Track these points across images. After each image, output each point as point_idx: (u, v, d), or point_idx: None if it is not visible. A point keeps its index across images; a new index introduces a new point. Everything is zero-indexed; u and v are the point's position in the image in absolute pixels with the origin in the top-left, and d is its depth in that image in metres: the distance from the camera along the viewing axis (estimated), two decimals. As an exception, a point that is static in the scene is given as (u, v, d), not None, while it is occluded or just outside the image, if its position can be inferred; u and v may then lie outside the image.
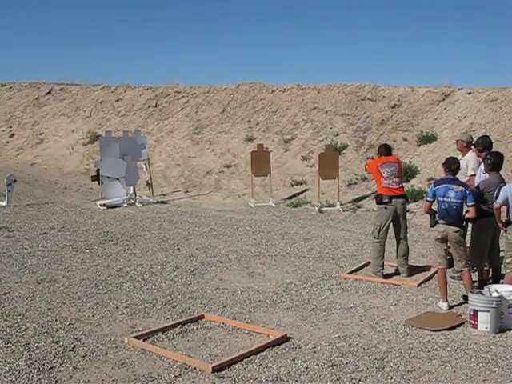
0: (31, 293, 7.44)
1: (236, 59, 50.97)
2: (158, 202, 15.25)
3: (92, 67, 45.32)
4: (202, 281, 8.17)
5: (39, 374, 5.05)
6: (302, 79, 26.25)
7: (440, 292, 7.16)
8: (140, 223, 12.42)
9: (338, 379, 5.03)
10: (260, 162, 15.22)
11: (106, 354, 5.54)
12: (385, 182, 8.42)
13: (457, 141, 8.92)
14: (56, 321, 6.42)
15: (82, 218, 12.93)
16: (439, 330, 6.24)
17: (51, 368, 5.19)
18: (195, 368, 5.19)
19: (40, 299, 7.19)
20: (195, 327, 6.28)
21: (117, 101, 23.50)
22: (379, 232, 8.40)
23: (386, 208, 8.39)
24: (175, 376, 5.05)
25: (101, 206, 14.34)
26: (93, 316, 6.61)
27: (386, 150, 8.78)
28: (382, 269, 8.41)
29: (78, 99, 24.71)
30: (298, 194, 15.58)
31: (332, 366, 5.30)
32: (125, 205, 14.63)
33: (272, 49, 52.68)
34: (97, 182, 15.42)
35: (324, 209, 14.06)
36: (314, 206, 14.42)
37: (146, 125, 21.26)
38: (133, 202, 14.97)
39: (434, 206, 7.28)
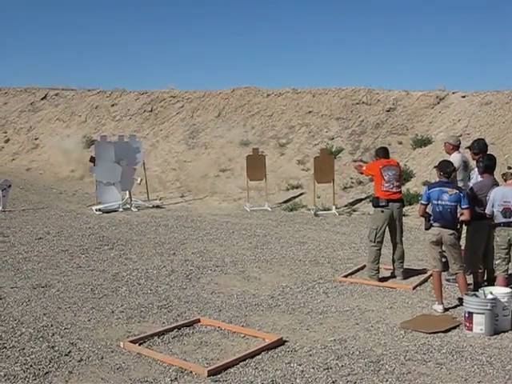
0: (27, 298, 7.43)
1: (231, 64, 51.02)
2: (153, 207, 15.26)
3: (87, 72, 45.31)
4: (197, 285, 8.17)
5: (35, 379, 5.05)
6: (297, 83, 26.31)
7: (435, 295, 7.18)
8: (135, 228, 12.43)
9: (333, 382, 5.03)
10: (255, 166, 15.24)
11: (102, 358, 5.53)
12: (385, 185, 8.39)
13: (445, 143, 8.98)
14: (51, 326, 6.41)
15: (77, 222, 12.93)
16: (434, 333, 6.25)
17: (47, 373, 5.18)
18: (191, 372, 5.19)
19: (36, 304, 7.18)
20: (191, 331, 6.28)
21: (112, 105, 23.51)
22: (375, 235, 8.39)
23: (382, 211, 8.38)
24: (171, 380, 5.05)
25: (96, 210, 14.34)
26: (88, 321, 6.60)
27: (384, 152, 8.79)
28: (378, 272, 8.42)
29: (73, 104, 24.71)
30: (294, 197, 15.60)
31: (327, 369, 5.31)
32: (120, 209, 14.63)
33: (267, 53, 52.77)
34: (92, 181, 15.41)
35: (319, 212, 14.09)
36: (309, 209, 14.44)
37: (141, 129, 21.27)
38: (128, 206, 14.97)
39: (429, 209, 7.30)
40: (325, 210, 14.28)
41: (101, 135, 17.06)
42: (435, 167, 7.57)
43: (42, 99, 25.91)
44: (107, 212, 14.33)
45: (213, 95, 21.36)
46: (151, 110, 22.23)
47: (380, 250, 8.44)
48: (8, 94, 27.23)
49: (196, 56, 53.07)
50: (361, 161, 9.67)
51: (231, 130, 19.57)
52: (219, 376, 5.11)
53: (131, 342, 5.83)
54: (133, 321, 6.63)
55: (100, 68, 47.94)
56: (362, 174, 9.70)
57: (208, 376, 5.08)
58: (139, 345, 5.81)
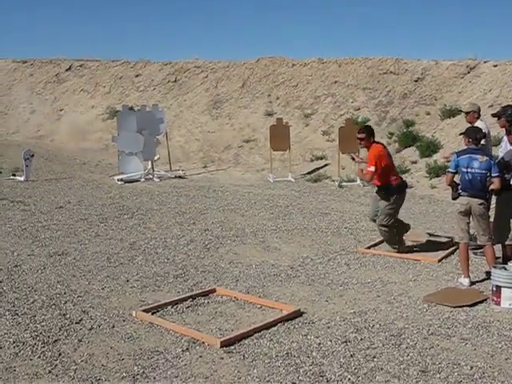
0: (42, 265, 7.32)
1: (256, 33, 50.41)
2: (175, 177, 15.09)
3: (111, 43, 45.15)
4: (215, 254, 7.98)
5: (43, 347, 4.92)
6: (323, 53, 25.86)
7: (461, 267, 6.88)
8: (156, 198, 12.28)
9: (351, 356, 4.81)
10: (279, 136, 14.96)
11: (113, 327, 5.38)
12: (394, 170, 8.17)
13: (468, 113, 8.50)
14: (65, 293, 6.29)
15: (98, 192, 12.82)
16: (460, 307, 5.98)
17: (56, 341, 5.05)
18: (203, 342, 5.01)
19: (50, 272, 7.07)
20: (206, 301, 6.10)
21: (136, 76, 23.34)
22: (390, 221, 7.95)
23: (399, 198, 8.02)
24: (182, 350, 4.87)
25: (118, 180, 14.22)
26: (102, 289, 6.46)
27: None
28: (402, 244, 8.13)
29: (97, 75, 24.59)
30: (318, 168, 15.31)
31: (346, 342, 5.09)
32: (142, 179, 14.49)
33: (293, 22, 52.00)
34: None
35: (344, 184, 13.79)
36: (333, 180, 14.15)
37: (165, 100, 21.07)
38: (150, 176, 14.83)
39: (456, 178, 6.98)
40: (349, 182, 13.97)
41: (123, 105, 16.87)
42: (462, 134, 7.24)
43: (67, 70, 25.83)
44: (129, 182, 14.20)
45: (237, 65, 21.02)
46: (175, 81, 21.99)
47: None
48: (34, 66, 27.19)
49: (220, 26, 52.52)
50: (353, 159, 8.86)
51: (255, 100, 19.27)
52: (232, 347, 4.92)
53: (144, 311, 5.67)
54: (147, 290, 6.47)
55: (124, 39, 47.75)
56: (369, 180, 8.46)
57: (221, 347, 4.90)
58: (152, 314, 5.65)
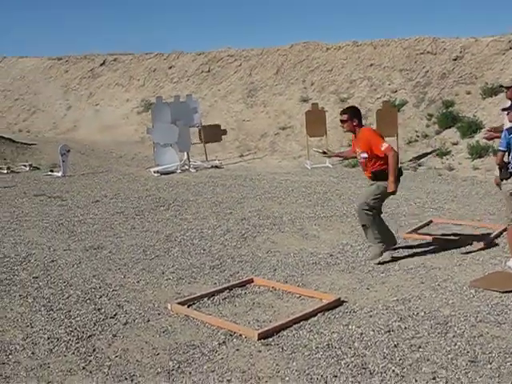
0: (78, 260, 7.25)
1: (289, 19, 49.93)
2: (212, 167, 14.97)
3: (144, 36, 45.28)
4: (253, 244, 7.80)
5: (78, 342, 4.81)
6: (358, 36, 25.39)
7: (510, 250, 6.55)
8: (193, 188, 12.17)
9: (395, 346, 4.58)
10: (315, 122, 14.69)
11: (148, 321, 5.25)
12: None
13: (507, 88, 7.99)
14: (100, 287, 6.19)
15: (135, 185, 12.77)
16: (509, 292, 5.68)
17: (90, 336, 4.94)
18: (240, 335, 4.84)
19: (86, 266, 6.99)
20: (243, 292, 5.92)
21: (170, 68, 23.28)
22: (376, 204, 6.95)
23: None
24: (219, 344, 4.71)
25: (154, 172, 14.16)
26: (137, 282, 6.35)
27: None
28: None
29: (131, 68, 24.63)
30: (356, 153, 14.98)
31: (389, 331, 4.85)
32: (178, 171, 14.40)
33: (325, 6, 51.32)
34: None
35: (383, 168, 13.44)
36: (372, 165, 13.81)
37: (199, 90, 20.96)
38: (186, 167, 14.73)
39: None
40: (389, 166, 13.61)
41: (156, 96, 16.80)
42: (505, 109, 6.86)
43: (101, 65, 25.96)
44: (165, 174, 14.13)
45: (271, 52, 20.77)
46: (209, 71, 21.85)
47: None
48: (68, 62, 27.43)
49: (252, 13, 52.19)
50: (324, 153, 7.79)
51: (290, 86, 19.00)
52: (270, 340, 4.73)
53: (179, 303, 5.52)
54: (183, 282, 6.32)
55: (157, 31, 47.88)
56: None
57: (258, 339, 4.71)
58: (188, 307, 5.50)
